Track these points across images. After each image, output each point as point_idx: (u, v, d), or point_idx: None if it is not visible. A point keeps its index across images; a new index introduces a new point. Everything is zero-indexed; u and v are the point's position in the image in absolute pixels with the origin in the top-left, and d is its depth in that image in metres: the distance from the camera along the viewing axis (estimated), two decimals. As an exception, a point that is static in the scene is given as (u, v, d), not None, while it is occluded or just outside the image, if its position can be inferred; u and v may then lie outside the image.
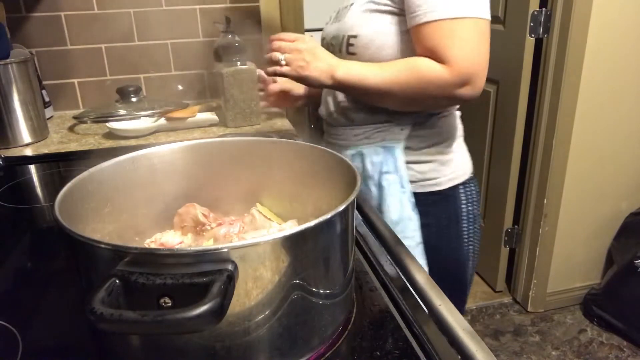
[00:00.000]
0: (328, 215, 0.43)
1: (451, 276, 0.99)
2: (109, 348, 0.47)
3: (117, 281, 0.37)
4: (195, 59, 1.50)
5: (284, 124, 1.30)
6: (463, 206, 0.96)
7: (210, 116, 1.28)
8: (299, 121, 1.66)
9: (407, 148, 0.92)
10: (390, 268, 0.62)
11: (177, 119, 1.25)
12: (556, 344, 1.99)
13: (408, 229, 0.91)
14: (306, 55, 0.84)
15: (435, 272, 0.89)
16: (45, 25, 1.38)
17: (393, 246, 0.65)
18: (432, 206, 0.94)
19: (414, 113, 0.91)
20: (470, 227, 0.97)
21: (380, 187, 0.92)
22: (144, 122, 1.24)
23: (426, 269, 0.92)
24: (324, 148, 0.59)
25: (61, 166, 1.08)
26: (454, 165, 0.95)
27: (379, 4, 0.86)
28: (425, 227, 0.93)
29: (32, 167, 1.07)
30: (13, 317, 0.54)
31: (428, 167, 0.93)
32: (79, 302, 0.44)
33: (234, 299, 0.37)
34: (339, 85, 0.86)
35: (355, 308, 0.55)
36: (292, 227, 0.52)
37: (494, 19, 1.91)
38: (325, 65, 0.85)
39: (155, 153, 0.61)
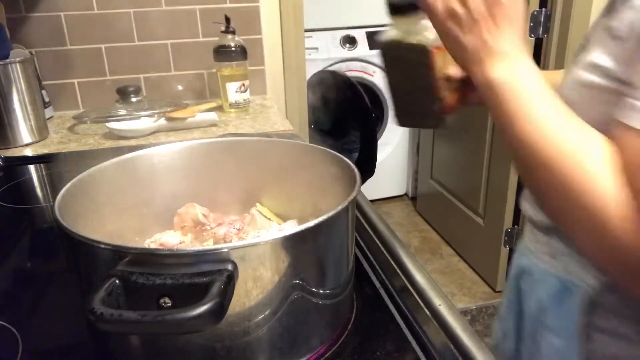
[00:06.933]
0: (328, 215, 0.43)
1: None
2: (109, 348, 0.47)
3: (117, 281, 0.37)
4: (195, 59, 1.50)
5: (284, 124, 1.30)
6: None
7: (210, 116, 1.28)
8: (299, 121, 1.66)
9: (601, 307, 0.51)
10: (390, 268, 0.62)
11: (177, 119, 1.25)
12: (556, 344, 1.99)
13: None
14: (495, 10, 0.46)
15: None
16: (45, 25, 1.38)
17: (393, 246, 0.65)
18: None
19: None
20: None
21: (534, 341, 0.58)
22: (144, 122, 1.23)
23: None
24: (324, 148, 0.59)
25: (61, 166, 1.08)
26: None
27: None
28: None
29: (32, 167, 1.07)
30: (13, 317, 0.54)
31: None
32: (79, 302, 0.44)
33: (234, 299, 0.37)
34: (488, 91, 0.47)
35: (355, 308, 0.55)
36: (292, 227, 0.53)
37: (494, 19, 1.91)
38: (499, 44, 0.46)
39: (155, 153, 0.61)
